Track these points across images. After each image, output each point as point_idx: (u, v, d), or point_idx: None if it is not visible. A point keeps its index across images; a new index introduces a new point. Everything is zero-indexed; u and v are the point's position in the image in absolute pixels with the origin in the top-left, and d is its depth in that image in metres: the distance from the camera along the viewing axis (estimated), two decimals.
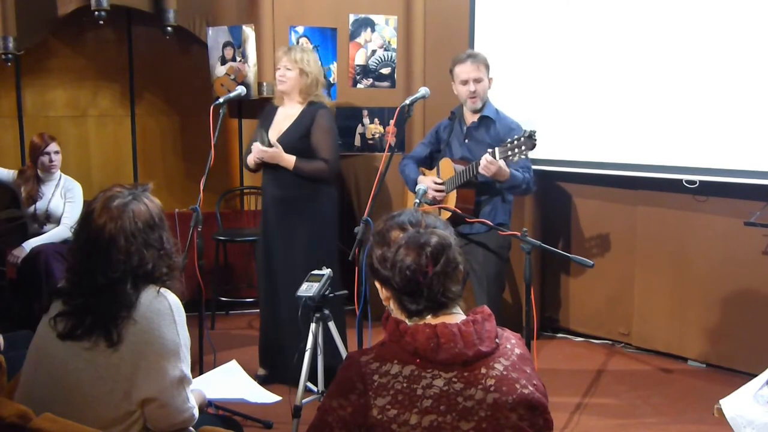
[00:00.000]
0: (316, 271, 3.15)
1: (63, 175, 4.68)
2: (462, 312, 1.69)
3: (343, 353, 3.20)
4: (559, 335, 4.94)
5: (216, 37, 4.92)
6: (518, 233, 3.18)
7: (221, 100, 3.67)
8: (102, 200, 2.02)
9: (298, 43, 4.73)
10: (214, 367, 2.99)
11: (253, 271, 5.14)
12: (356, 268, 3.15)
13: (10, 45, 4.60)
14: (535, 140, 3.25)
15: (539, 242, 3.21)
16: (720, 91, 3.88)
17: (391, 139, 3.79)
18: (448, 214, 3.55)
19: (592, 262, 3.18)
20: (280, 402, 2.85)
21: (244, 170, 5.07)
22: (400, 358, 1.59)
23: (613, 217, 4.63)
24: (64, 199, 4.61)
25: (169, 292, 2.03)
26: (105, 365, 1.92)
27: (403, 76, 4.86)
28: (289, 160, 3.82)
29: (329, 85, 4.79)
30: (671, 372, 4.27)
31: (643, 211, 4.49)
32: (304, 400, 3.15)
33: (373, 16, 4.82)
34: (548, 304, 4.98)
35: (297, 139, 3.86)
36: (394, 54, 4.85)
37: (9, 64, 4.73)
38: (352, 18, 4.81)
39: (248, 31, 4.81)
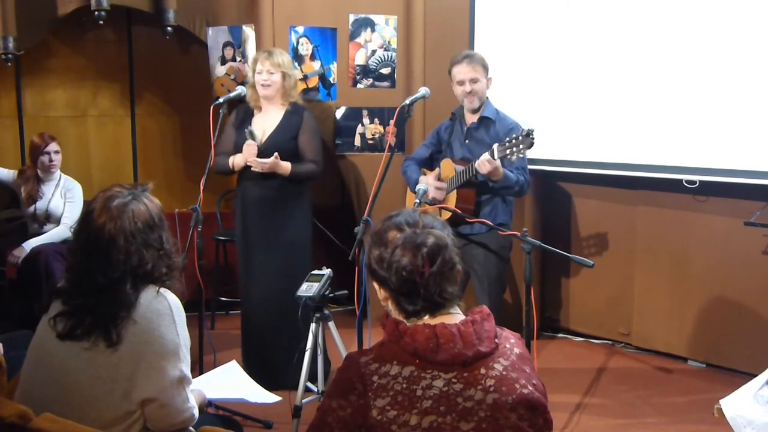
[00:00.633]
0: (316, 271, 3.15)
1: (63, 175, 4.68)
2: (461, 312, 1.69)
3: (343, 353, 3.20)
4: (559, 335, 4.94)
5: (216, 37, 4.91)
6: (518, 233, 3.18)
7: (221, 100, 3.68)
8: (102, 200, 2.02)
9: (298, 43, 4.73)
10: (214, 367, 3.00)
11: None
12: (356, 268, 3.15)
13: (10, 45, 4.60)
14: (533, 139, 3.26)
15: (539, 242, 3.21)
16: (720, 91, 3.88)
17: (391, 139, 3.79)
18: (448, 214, 3.55)
19: (592, 262, 3.18)
20: (280, 402, 2.85)
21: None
22: (399, 359, 1.58)
23: (613, 217, 4.63)
24: (64, 199, 4.61)
25: (169, 292, 2.03)
26: (105, 365, 1.92)
27: (403, 76, 4.86)
28: (286, 167, 3.84)
29: (329, 85, 4.80)
30: (671, 372, 4.27)
31: (643, 211, 4.48)
32: (304, 400, 3.15)
33: (373, 16, 4.82)
34: (548, 304, 4.98)
35: (287, 141, 3.89)
36: (394, 54, 4.85)
37: (9, 64, 4.73)
38: (352, 18, 4.80)
39: (248, 31, 4.81)
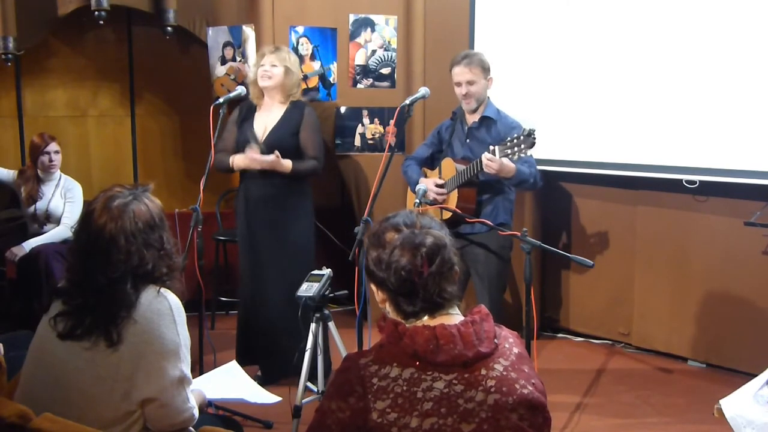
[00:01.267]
0: (316, 271, 3.15)
1: (63, 175, 4.68)
2: (460, 313, 1.69)
3: (343, 353, 3.20)
4: (559, 335, 4.94)
5: (216, 37, 4.91)
6: (518, 233, 3.18)
7: (221, 100, 3.67)
8: (102, 200, 2.02)
9: (298, 43, 4.73)
10: (214, 367, 2.99)
11: None
12: (356, 268, 3.15)
13: (10, 45, 4.60)
14: (535, 138, 3.25)
15: (539, 242, 3.21)
16: (720, 91, 3.88)
17: (391, 139, 3.79)
18: (448, 214, 3.54)
19: (592, 262, 3.18)
20: (280, 402, 2.84)
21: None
22: (399, 361, 1.58)
23: (613, 217, 4.63)
24: (64, 199, 4.61)
25: (169, 292, 2.03)
26: (105, 365, 1.92)
27: (403, 76, 4.86)
28: (287, 165, 3.84)
29: (329, 85, 4.80)
30: (671, 372, 4.27)
31: (643, 211, 4.48)
32: (304, 400, 3.15)
33: (373, 16, 4.82)
34: (548, 304, 4.98)
35: (287, 137, 3.89)
36: (394, 54, 4.85)
37: (9, 64, 4.73)
38: (352, 18, 4.80)
39: (248, 31, 4.81)
